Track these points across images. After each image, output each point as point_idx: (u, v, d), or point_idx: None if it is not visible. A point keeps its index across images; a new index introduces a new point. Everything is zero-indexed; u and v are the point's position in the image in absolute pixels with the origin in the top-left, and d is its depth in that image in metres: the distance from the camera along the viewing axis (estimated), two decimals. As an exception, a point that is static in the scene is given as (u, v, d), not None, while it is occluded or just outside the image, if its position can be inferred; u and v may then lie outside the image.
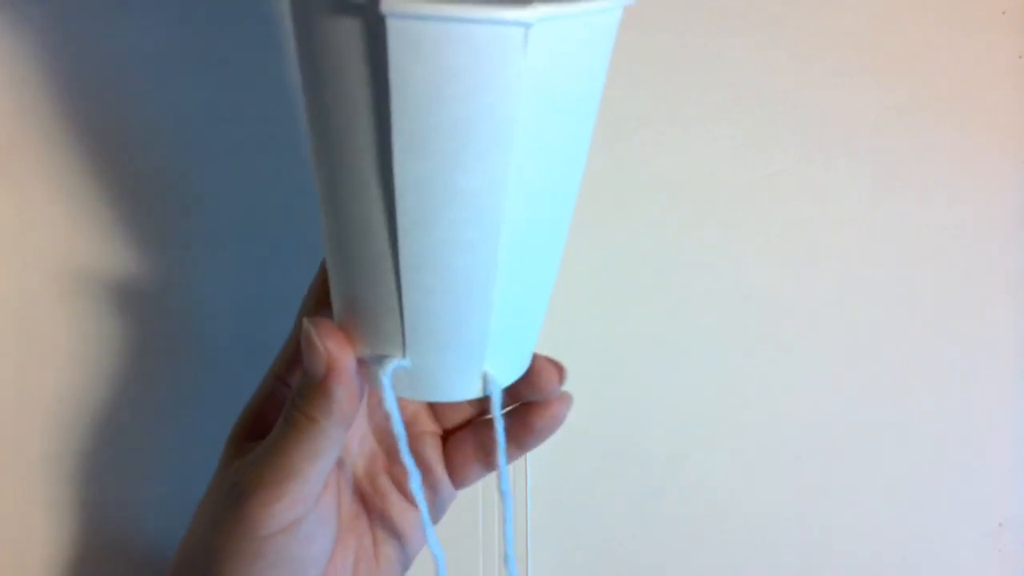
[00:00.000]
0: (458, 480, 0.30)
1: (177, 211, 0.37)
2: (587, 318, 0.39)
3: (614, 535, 0.38)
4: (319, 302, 0.28)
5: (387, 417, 0.28)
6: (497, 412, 0.25)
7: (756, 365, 0.39)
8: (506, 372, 0.25)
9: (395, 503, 0.30)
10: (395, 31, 0.18)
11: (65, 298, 0.36)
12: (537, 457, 0.38)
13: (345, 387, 0.24)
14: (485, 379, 0.25)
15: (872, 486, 0.39)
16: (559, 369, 0.28)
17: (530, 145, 0.20)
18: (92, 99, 0.37)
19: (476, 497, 0.37)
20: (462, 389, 0.25)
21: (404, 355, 0.23)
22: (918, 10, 0.41)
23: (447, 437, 0.31)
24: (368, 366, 0.24)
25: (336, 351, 0.24)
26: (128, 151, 0.37)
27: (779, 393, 0.39)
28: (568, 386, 0.38)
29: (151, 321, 0.37)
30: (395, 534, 0.29)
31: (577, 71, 0.20)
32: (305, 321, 0.24)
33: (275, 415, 0.27)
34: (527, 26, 0.18)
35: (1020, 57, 0.41)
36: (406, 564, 0.30)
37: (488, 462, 0.30)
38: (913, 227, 0.40)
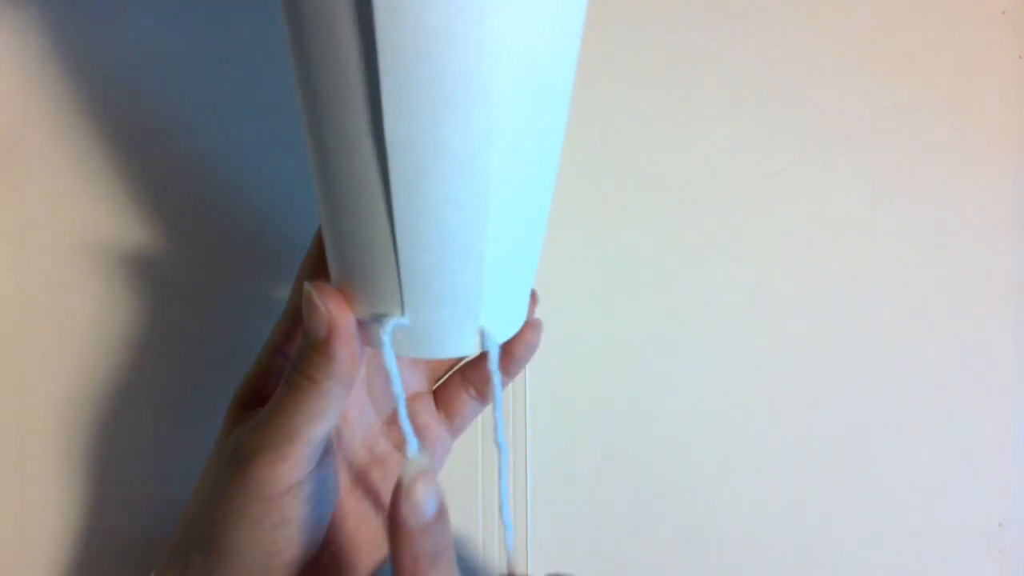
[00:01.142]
0: (455, 423, 0.32)
1: (181, 207, 0.37)
2: (587, 317, 0.39)
3: (613, 535, 0.38)
4: (314, 272, 0.28)
5: (384, 384, 0.29)
6: (495, 366, 0.26)
7: (756, 365, 0.39)
8: (502, 327, 0.26)
9: (394, 467, 0.30)
10: None
11: (64, 298, 0.36)
12: (537, 456, 0.38)
13: (346, 347, 0.24)
14: (482, 335, 0.25)
15: (872, 486, 0.39)
16: (532, 296, 0.29)
17: (512, 101, 0.21)
18: (96, 95, 0.37)
19: (476, 480, 0.37)
20: (460, 345, 0.25)
21: (403, 313, 0.24)
22: (918, 10, 0.41)
23: (437, 388, 0.32)
24: (367, 326, 0.25)
25: (337, 312, 0.24)
26: (131, 147, 0.37)
27: (779, 393, 0.39)
28: (568, 384, 0.38)
29: (152, 319, 0.37)
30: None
31: (553, 28, 0.21)
32: (306, 284, 0.25)
33: (274, 385, 0.28)
34: None
35: (1020, 57, 0.41)
36: None
37: (481, 396, 0.32)
38: (913, 227, 0.40)
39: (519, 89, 0.21)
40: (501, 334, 0.26)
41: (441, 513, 0.23)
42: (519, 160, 0.22)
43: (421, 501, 0.23)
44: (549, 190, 0.25)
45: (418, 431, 0.31)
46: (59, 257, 0.37)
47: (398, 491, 0.23)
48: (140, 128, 0.37)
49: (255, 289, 0.37)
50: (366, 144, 0.21)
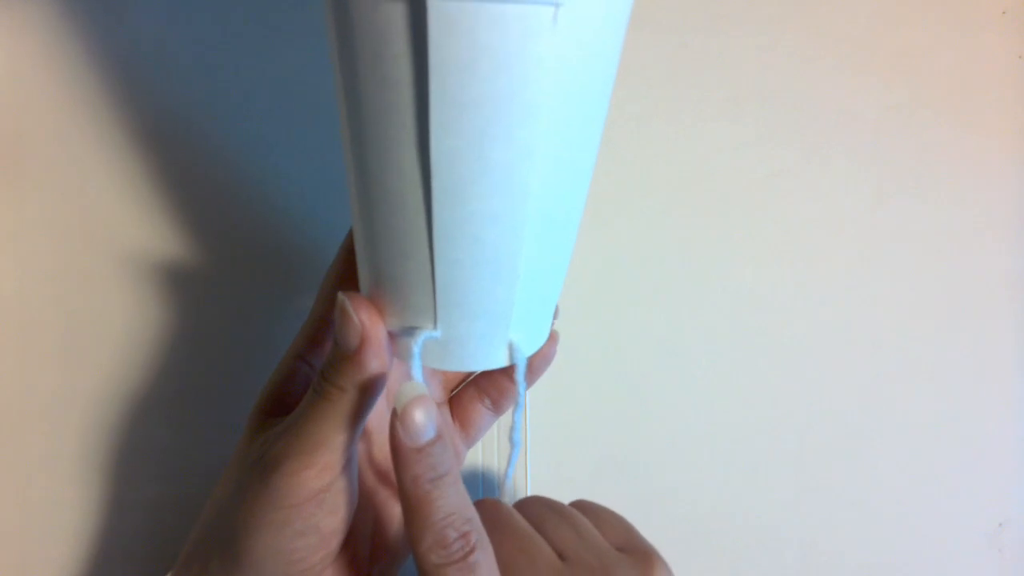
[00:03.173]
0: (469, 433, 0.32)
1: (197, 209, 0.37)
2: (587, 318, 0.39)
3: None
4: (342, 282, 0.29)
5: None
6: (521, 376, 0.26)
7: (756, 365, 0.39)
8: (530, 341, 0.26)
9: None
10: (435, 11, 0.19)
11: (63, 299, 0.36)
12: (538, 457, 0.38)
13: (377, 358, 0.24)
14: (511, 348, 0.25)
15: (872, 486, 0.39)
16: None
17: (556, 120, 0.21)
18: (100, 93, 0.37)
19: (476, 479, 0.37)
20: (489, 358, 0.26)
21: (435, 326, 0.24)
22: (918, 10, 0.41)
23: (451, 398, 0.32)
24: (397, 338, 0.25)
25: (369, 323, 0.24)
26: (143, 147, 0.37)
27: (779, 393, 0.39)
28: (568, 384, 0.38)
29: (164, 321, 0.37)
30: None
31: (599, 49, 0.21)
32: (340, 294, 0.25)
33: (297, 393, 0.28)
34: (557, 5, 0.19)
35: (1020, 57, 0.41)
36: None
37: (495, 406, 0.32)
38: (913, 227, 0.40)
39: (563, 107, 0.21)
40: (529, 347, 0.26)
41: (439, 436, 0.24)
42: (558, 177, 0.23)
43: (417, 423, 0.23)
44: (581, 207, 0.26)
45: None
46: (53, 257, 0.37)
47: (394, 415, 0.23)
48: (150, 127, 0.37)
49: (268, 292, 0.37)
50: (410, 159, 0.21)
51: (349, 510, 0.27)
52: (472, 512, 0.24)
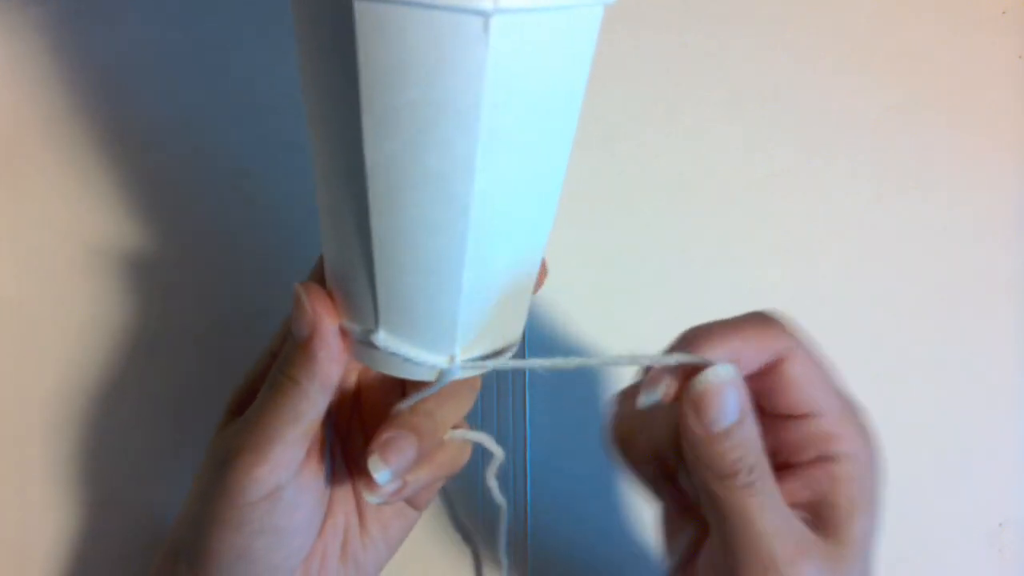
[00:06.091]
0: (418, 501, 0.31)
1: (186, 210, 0.37)
2: (586, 317, 0.39)
3: (612, 538, 0.38)
4: (319, 283, 0.28)
5: (384, 401, 0.28)
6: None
7: (756, 365, 0.39)
8: (476, 354, 0.25)
9: None
10: (362, 13, 0.18)
11: (65, 300, 0.36)
12: (537, 459, 0.38)
13: (327, 348, 0.24)
14: (452, 361, 0.25)
15: (872, 486, 0.39)
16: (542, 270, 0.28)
17: (498, 133, 0.20)
18: (94, 96, 0.37)
19: (476, 480, 0.37)
20: (430, 368, 0.25)
21: (377, 329, 0.24)
22: (918, 10, 0.41)
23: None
24: (349, 336, 0.25)
25: (322, 313, 0.24)
26: (130, 146, 0.37)
27: (779, 393, 0.39)
28: (568, 386, 0.38)
29: (154, 323, 0.37)
30: (382, 515, 0.30)
31: (551, 65, 0.20)
32: (296, 285, 0.25)
33: None
34: (486, 15, 0.18)
35: (1020, 57, 0.41)
36: (394, 544, 0.30)
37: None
38: (913, 227, 0.40)
39: (508, 122, 0.20)
40: (475, 366, 0.25)
41: (743, 418, 0.23)
42: (503, 189, 0.22)
43: (712, 406, 0.23)
44: (541, 221, 0.25)
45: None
46: (53, 256, 0.37)
47: (697, 401, 0.23)
48: (146, 130, 0.37)
49: (264, 293, 0.37)
50: (347, 162, 0.21)
51: (310, 510, 0.26)
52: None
